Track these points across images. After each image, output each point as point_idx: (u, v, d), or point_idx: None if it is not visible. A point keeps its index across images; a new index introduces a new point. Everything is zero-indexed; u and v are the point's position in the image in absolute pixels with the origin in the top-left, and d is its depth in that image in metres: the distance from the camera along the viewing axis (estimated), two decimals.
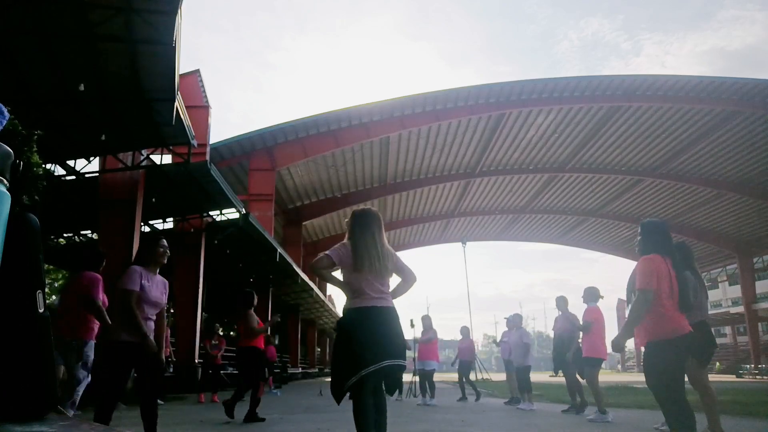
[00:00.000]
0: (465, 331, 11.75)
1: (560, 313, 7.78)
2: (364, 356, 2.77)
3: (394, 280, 3.13)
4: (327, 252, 3.04)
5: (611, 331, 4.13)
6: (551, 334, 8.90)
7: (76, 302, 4.81)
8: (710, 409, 4.24)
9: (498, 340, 10.87)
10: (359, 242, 3.01)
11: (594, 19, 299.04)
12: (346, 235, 3.14)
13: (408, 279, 3.11)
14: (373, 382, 2.83)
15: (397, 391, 3.36)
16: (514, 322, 9.39)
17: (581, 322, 7.01)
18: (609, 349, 5.17)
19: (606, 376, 34.32)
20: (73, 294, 4.91)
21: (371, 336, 2.81)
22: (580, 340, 7.22)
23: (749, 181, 28.42)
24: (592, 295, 6.97)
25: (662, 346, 3.21)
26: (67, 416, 3.62)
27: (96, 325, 4.95)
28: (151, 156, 10.62)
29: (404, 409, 8.23)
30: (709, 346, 4.54)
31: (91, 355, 4.86)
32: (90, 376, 4.84)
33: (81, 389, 4.74)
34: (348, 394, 2.83)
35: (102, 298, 4.93)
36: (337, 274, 3.15)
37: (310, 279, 20.84)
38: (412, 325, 10.54)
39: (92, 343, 4.89)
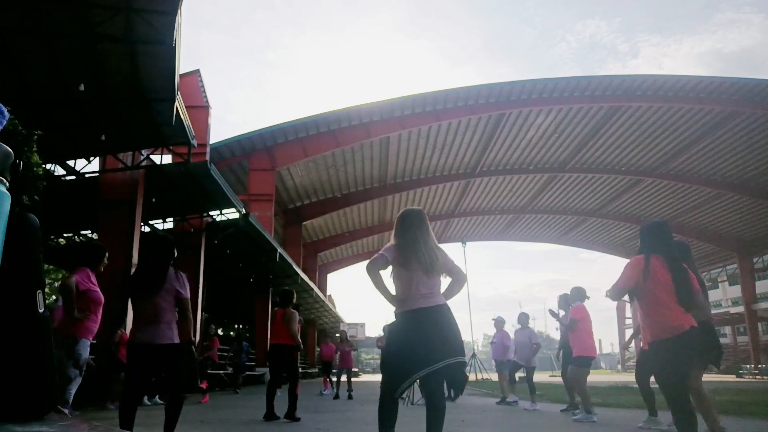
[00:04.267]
0: None
1: (563, 312, 7.74)
2: (413, 362, 2.73)
3: (444, 281, 3.05)
4: (381, 251, 2.97)
5: (609, 330, 4.15)
6: (551, 334, 8.91)
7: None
8: (706, 411, 4.23)
9: (490, 342, 10.75)
10: (405, 240, 2.97)
11: (591, 21, 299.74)
12: (392, 237, 3.10)
13: (459, 280, 3.02)
14: (439, 381, 2.83)
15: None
16: (521, 321, 9.35)
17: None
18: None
19: (606, 376, 34.33)
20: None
21: (421, 339, 2.75)
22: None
23: (749, 181, 28.42)
24: (578, 294, 7.01)
25: (659, 346, 3.23)
26: (68, 416, 3.62)
27: (93, 324, 4.89)
28: (151, 156, 10.61)
29: (404, 409, 8.23)
30: (714, 346, 4.49)
31: (84, 354, 4.79)
32: (81, 375, 4.80)
33: (73, 388, 4.68)
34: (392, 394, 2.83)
35: (92, 293, 4.87)
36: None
37: (310, 279, 20.84)
38: None
39: (86, 341, 4.82)
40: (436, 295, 2.90)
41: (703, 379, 4.49)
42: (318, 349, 38.89)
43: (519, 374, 9.50)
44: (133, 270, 10.17)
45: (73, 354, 4.67)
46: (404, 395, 9.98)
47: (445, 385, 3.06)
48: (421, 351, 2.73)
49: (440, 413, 2.75)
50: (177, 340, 3.66)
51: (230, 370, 15.95)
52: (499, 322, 9.93)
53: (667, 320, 3.23)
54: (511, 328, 10.22)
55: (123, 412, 3.56)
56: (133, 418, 3.55)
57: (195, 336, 3.79)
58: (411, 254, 2.90)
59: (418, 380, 2.84)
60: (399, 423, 2.74)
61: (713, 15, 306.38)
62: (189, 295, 3.74)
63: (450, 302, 3.00)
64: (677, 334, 3.18)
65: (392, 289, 2.99)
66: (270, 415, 6.33)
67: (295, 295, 6.88)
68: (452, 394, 10.38)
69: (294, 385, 6.43)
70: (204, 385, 10.10)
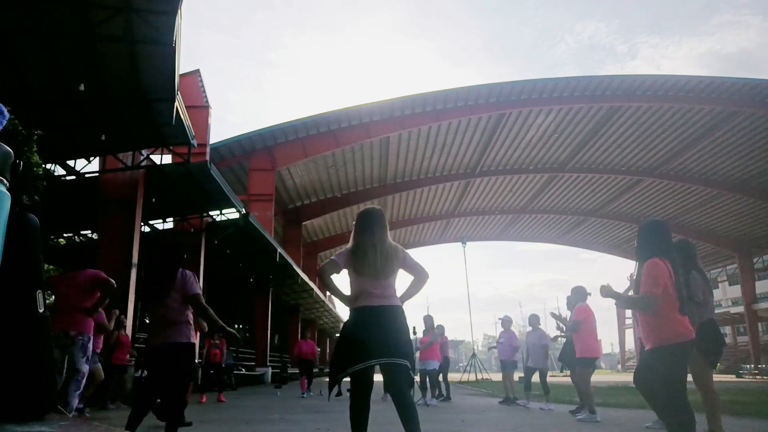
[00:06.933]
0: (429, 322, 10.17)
1: (569, 314, 7.68)
2: (353, 356, 2.80)
3: (407, 279, 3.06)
4: (333, 257, 3.04)
5: (609, 330, 4.14)
6: (551, 334, 8.85)
7: (81, 296, 4.83)
8: (712, 410, 4.21)
9: (496, 342, 10.56)
10: (358, 244, 3.00)
11: (591, 22, 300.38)
12: (351, 237, 3.12)
13: (420, 277, 3.03)
14: (366, 381, 2.83)
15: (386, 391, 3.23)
16: (531, 322, 9.25)
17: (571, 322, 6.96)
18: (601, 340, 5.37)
19: (606, 376, 34.33)
20: (75, 288, 4.90)
21: (362, 336, 2.82)
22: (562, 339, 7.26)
23: (749, 181, 28.43)
24: (579, 294, 6.90)
25: (666, 351, 3.21)
26: (67, 416, 3.62)
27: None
28: (151, 156, 10.61)
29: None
30: (718, 345, 4.49)
31: (91, 350, 4.96)
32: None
33: (84, 382, 4.84)
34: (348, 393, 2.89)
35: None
36: (344, 280, 3.14)
37: (310, 279, 20.84)
38: (414, 333, 10.35)
39: (92, 338, 4.95)
40: (387, 297, 2.91)
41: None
42: (318, 350, 38.95)
43: (518, 374, 9.47)
44: (133, 271, 10.19)
45: (87, 351, 4.82)
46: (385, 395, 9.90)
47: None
48: (360, 347, 2.79)
49: (408, 410, 2.74)
50: (188, 340, 3.68)
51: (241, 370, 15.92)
52: (506, 322, 9.79)
53: (673, 327, 3.21)
54: (514, 329, 10.17)
55: (133, 413, 3.56)
56: (140, 421, 3.55)
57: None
58: (362, 258, 2.93)
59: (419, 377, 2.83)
60: (397, 422, 2.72)
61: (712, 16, 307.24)
62: (199, 290, 3.77)
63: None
64: (682, 341, 3.16)
65: (348, 290, 3.06)
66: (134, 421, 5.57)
67: None
68: (448, 394, 10.40)
69: (185, 389, 5.46)
70: (221, 399, 10.02)
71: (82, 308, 4.79)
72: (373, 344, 2.78)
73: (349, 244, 3.07)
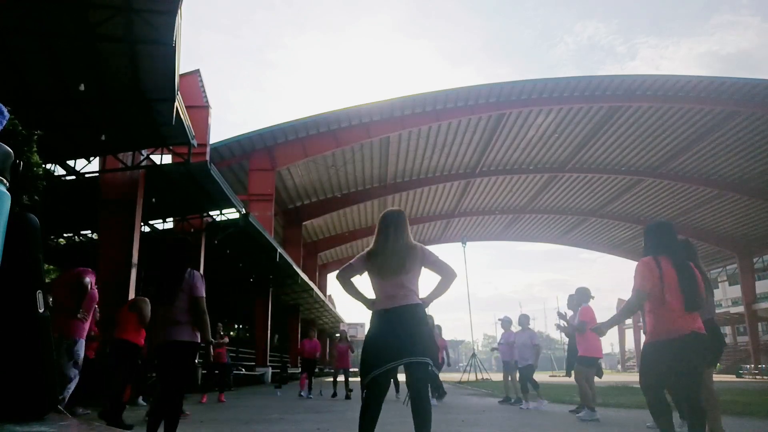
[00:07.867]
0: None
1: (571, 313, 7.71)
2: (370, 361, 2.85)
3: (434, 279, 3.09)
4: (352, 261, 3.13)
5: (610, 330, 4.17)
6: (551, 334, 8.86)
7: (68, 297, 4.74)
8: (712, 410, 4.21)
9: (497, 343, 10.54)
10: (373, 247, 3.07)
11: (590, 23, 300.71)
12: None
13: (447, 275, 3.03)
14: (381, 384, 2.83)
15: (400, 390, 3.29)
16: (521, 322, 9.29)
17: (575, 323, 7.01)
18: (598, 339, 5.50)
19: (606, 376, 34.30)
20: (63, 289, 4.83)
21: (378, 340, 2.88)
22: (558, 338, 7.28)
23: (749, 181, 28.43)
24: (583, 295, 6.97)
25: (656, 347, 3.25)
26: (67, 416, 3.62)
27: (88, 324, 4.90)
28: (151, 156, 10.61)
29: (402, 409, 8.22)
30: (717, 345, 4.50)
31: (82, 354, 4.79)
32: (79, 374, 4.80)
33: (72, 387, 4.71)
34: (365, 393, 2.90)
35: (96, 295, 4.90)
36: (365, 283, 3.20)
37: (310, 279, 20.85)
38: None
39: (82, 341, 4.82)
40: (402, 297, 2.91)
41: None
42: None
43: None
44: (133, 271, 10.18)
45: (73, 355, 4.68)
46: (398, 395, 9.93)
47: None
48: (380, 351, 2.83)
49: (421, 411, 2.73)
50: (190, 339, 3.61)
51: (243, 370, 15.89)
52: (505, 323, 9.83)
53: (663, 323, 3.24)
54: (513, 329, 10.17)
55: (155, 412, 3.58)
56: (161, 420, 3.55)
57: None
58: (374, 260, 3.01)
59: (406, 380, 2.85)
60: (397, 423, 2.73)
61: (711, 17, 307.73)
62: (203, 294, 3.69)
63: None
64: (671, 337, 3.20)
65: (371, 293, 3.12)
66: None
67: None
68: (438, 395, 10.38)
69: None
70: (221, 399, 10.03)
71: (68, 309, 4.65)
72: (390, 348, 2.82)
73: (370, 247, 3.14)
